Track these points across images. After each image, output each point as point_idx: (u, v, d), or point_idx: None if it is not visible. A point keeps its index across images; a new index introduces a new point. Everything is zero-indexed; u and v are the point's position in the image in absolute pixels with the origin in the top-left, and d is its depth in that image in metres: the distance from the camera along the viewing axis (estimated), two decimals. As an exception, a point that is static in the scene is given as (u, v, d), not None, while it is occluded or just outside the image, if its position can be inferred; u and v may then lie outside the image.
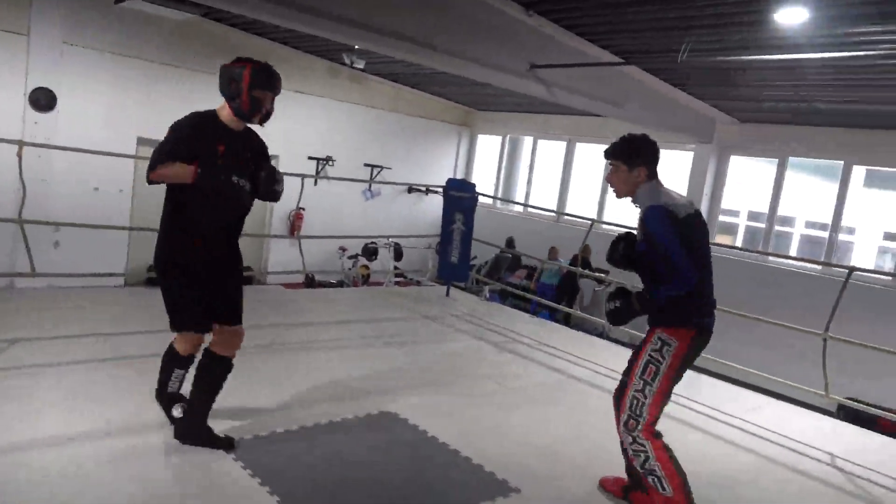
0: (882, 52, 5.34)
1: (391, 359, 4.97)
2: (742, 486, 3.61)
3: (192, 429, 3.12)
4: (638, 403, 2.82)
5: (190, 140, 2.86)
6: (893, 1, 4.56)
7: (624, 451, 2.95)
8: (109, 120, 8.66)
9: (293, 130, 10.59)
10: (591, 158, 11.26)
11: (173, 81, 9.23)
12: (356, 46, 8.65)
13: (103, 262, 8.27)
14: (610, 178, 2.97)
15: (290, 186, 10.52)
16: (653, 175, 2.90)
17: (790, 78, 6.86)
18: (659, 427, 2.90)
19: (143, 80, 8.95)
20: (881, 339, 5.22)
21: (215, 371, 3.11)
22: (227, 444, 3.14)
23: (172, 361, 3.20)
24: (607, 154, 2.95)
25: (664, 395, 2.83)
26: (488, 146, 13.24)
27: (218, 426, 3.38)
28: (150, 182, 2.85)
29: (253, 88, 2.88)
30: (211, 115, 2.99)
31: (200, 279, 2.98)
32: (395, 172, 11.84)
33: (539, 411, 4.23)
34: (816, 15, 4.89)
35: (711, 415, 4.63)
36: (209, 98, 10.40)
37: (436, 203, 12.41)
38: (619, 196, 2.97)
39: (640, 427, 2.82)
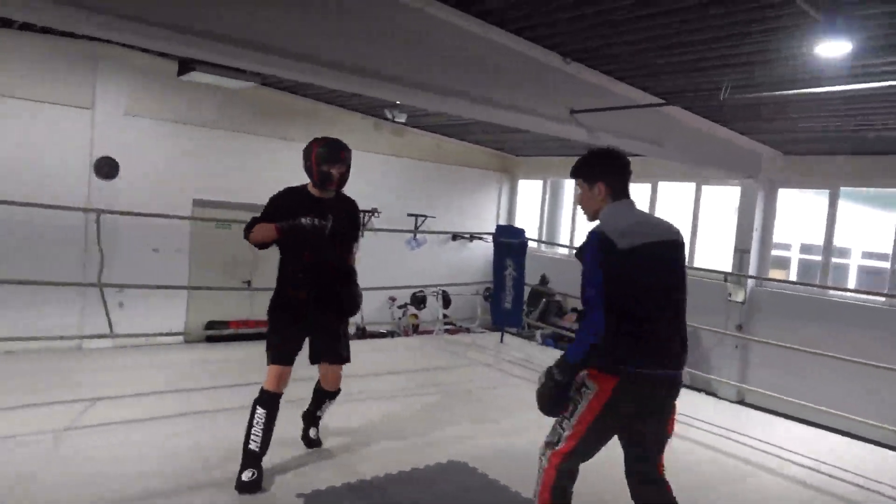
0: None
1: (452, 406, 4.99)
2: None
3: None
4: (556, 430, 2.68)
5: (276, 209, 3.40)
6: (939, 28, 4.55)
7: None
8: (167, 184, 9.07)
9: (339, 185, 10.88)
10: (635, 198, 11.22)
11: (225, 144, 9.67)
12: (398, 102, 8.94)
13: (164, 320, 8.58)
14: (577, 200, 2.79)
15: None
16: (618, 194, 2.65)
17: (834, 109, 6.81)
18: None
19: (198, 144, 9.40)
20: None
21: (321, 398, 3.81)
22: None
23: (257, 399, 3.42)
24: (571, 173, 2.77)
25: (582, 437, 2.59)
26: (529, 191, 13.36)
27: (283, 480, 3.45)
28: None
29: (320, 164, 3.38)
30: (301, 188, 3.53)
31: (289, 322, 3.45)
32: (439, 221, 12.02)
33: (612, 454, 4.18)
34: (859, 46, 4.89)
35: (787, 458, 4.49)
36: (258, 157, 10.93)
37: (480, 250, 12.52)
38: (589, 219, 2.73)
39: (550, 451, 2.68)
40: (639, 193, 11.15)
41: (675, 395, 2.65)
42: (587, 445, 2.63)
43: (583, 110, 6.88)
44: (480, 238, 12.17)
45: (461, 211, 12.67)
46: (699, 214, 10.36)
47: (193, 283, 9.18)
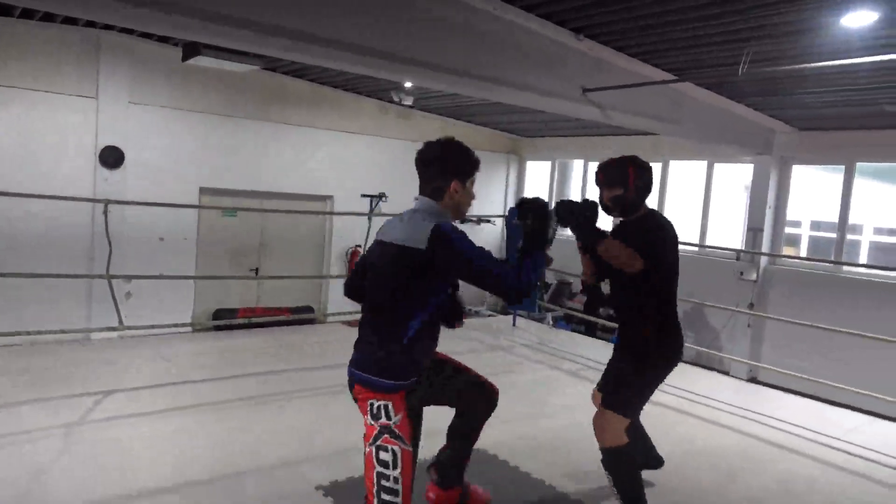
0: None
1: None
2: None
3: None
4: None
5: None
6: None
7: None
8: (173, 172, 8.97)
9: (346, 170, 10.79)
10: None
11: (231, 131, 9.54)
12: (407, 84, 8.80)
13: (171, 310, 8.53)
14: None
15: (346, 226, 10.50)
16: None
17: (854, 82, 6.65)
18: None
19: (203, 131, 9.28)
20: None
21: None
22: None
23: None
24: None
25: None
26: (537, 172, 13.22)
27: (310, 468, 3.39)
28: None
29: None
30: None
31: None
32: (447, 204, 11.89)
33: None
34: (886, 16, 4.74)
35: (812, 438, 4.41)
36: (263, 143, 10.79)
37: (488, 233, 12.40)
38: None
39: None
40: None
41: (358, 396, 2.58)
42: None
43: (595, 88, 6.74)
44: (489, 221, 12.05)
45: (469, 194, 12.52)
46: (711, 193, 10.22)
47: (201, 271, 9.12)
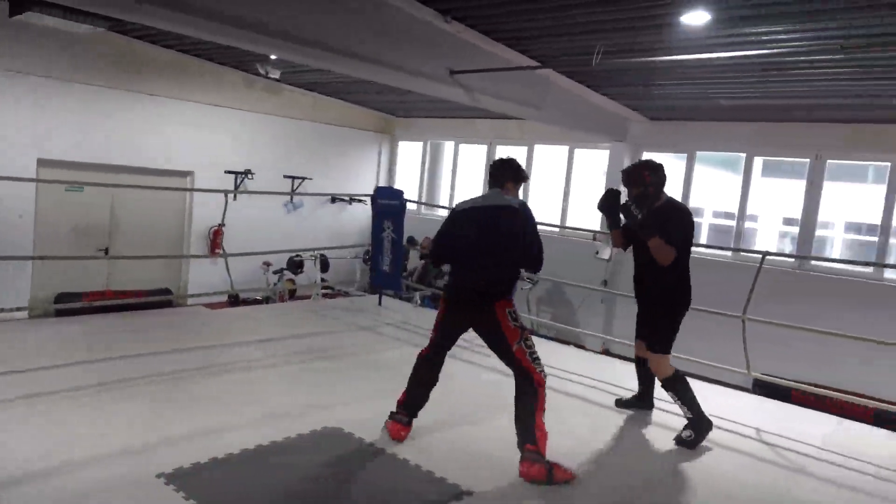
0: (774, 50, 5.73)
1: (329, 373, 4.88)
2: (680, 467, 3.76)
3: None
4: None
5: None
6: (780, 4, 4.87)
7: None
8: (6, 141, 8.09)
9: (208, 144, 10.24)
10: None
11: (75, 98, 8.74)
12: (272, 56, 8.46)
13: (4, 293, 7.73)
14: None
15: (209, 204, 10.01)
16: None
17: (694, 77, 7.23)
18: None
19: (41, 97, 8.41)
20: (783, 316, 5.60)
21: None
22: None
23: None
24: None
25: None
26: (410, 152, 13.26)
27: (153, 456, 3.23)
28: None
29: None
30: None
31: None
32: (317, 183, 11.66)
33: (486, 414, 4.26)
34: (716, 17, 5.18)
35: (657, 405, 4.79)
36: (115, 113, 9.96)
37: (359, 212, 12.31)
38: None
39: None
40: (515, 155, 11.35)
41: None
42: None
43: (462, 71, 6.83)
44: (360, 200, 11.96)
45: (340, 173, 12.36)
46: (572, 177, 10.75)
47: (39, 252, 8.32)
